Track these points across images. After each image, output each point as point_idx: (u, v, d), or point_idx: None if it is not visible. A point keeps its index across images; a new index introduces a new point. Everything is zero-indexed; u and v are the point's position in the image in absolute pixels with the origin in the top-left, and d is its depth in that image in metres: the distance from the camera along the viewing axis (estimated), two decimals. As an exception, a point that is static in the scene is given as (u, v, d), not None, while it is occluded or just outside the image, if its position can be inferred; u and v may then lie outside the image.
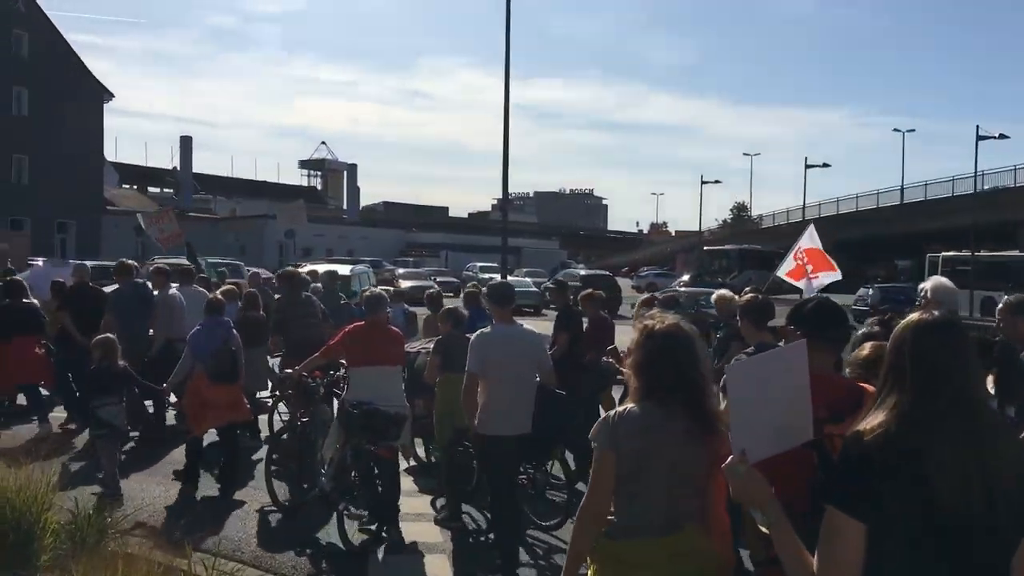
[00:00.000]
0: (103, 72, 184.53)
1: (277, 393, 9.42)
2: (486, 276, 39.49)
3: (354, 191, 78.26)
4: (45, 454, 6.71)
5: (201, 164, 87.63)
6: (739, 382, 2.41)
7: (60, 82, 43.40)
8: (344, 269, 21.94)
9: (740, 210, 78.44)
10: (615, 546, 2.81)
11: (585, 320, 8.82)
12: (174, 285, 9.94)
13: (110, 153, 76.60)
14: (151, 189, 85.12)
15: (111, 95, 48.14)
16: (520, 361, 5.45)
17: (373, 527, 6.09)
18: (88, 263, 12.93)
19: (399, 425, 6.10)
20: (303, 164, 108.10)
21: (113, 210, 49.43)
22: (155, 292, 9.79)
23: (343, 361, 6.91)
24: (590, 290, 9.07)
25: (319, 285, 11.51)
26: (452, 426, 6.65)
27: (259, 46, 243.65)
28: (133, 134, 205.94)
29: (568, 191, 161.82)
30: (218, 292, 9.08)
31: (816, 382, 2.50)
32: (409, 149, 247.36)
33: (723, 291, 7.75)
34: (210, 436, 7.62)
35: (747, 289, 6.63)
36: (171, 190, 71.33)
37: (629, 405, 2.88)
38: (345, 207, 79.57)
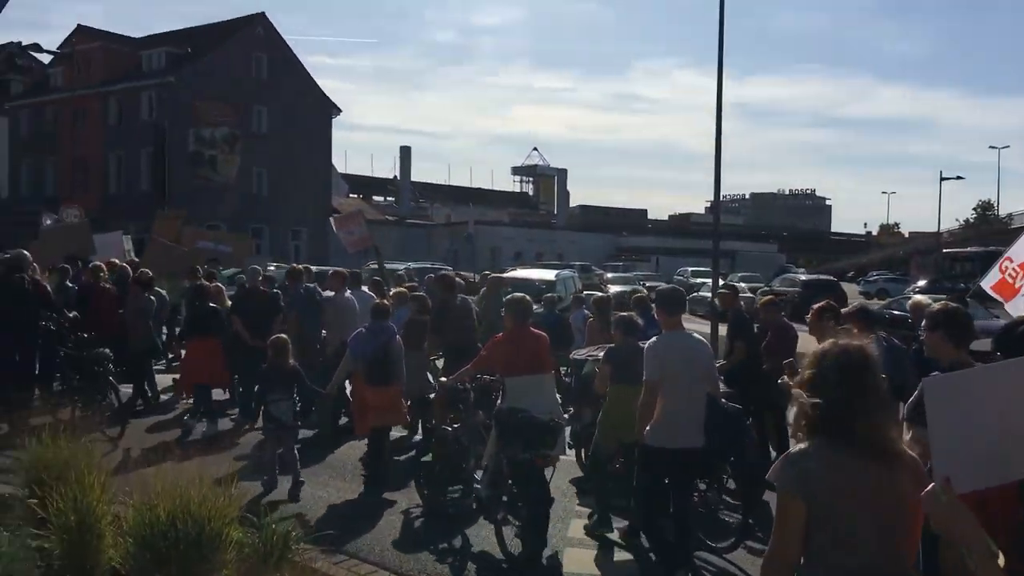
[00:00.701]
0: (335, 90, 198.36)
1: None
2: (698, 281, 38.04)
3: (564, 196, 78.79)
4: (225, 471, 6.71)
5: (420, 173, 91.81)
6: (941, 400, 2.10)
7: (294, 100, 46.76)
8: (549, 274, 21.68)
9: (985, 208, 71.00)
10: None
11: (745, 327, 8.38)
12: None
13: (340, 164, 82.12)
14: (375, 198, 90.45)
15: (339, 110, 51.25)
16: (692, 371, 5.27)
17: (529, 536, 5.92)
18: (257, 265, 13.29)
19: (555, 434, 5.96)
20: (515, 170, 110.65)
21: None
22: (331, 295, 10.11)
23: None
24: (770, 296, 8.73)
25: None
26: (616, 439, 6.37)
27: (477, 57, 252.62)
28: (361, 146, 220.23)
29: (787, 192, 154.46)
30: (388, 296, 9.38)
31: None
32: (622, 153, 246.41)
33: (920, 297, 6.90)
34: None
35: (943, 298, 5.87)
36: (392, 198, 75.09)
37: (810, 441, 2.54)
38: (555, 212, 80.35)
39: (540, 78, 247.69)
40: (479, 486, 6.34)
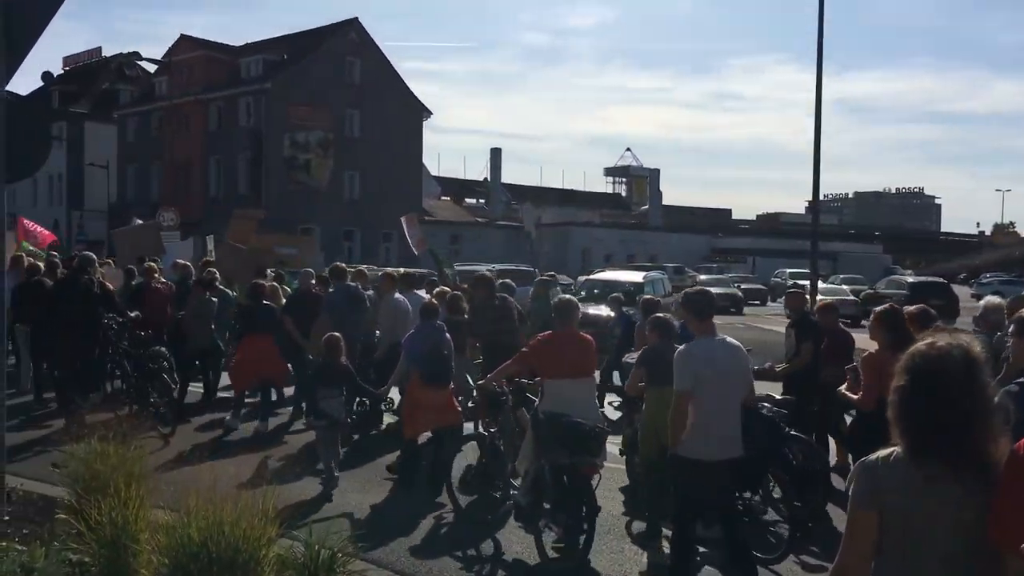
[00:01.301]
0: (430, 94, 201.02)
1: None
2: (796, 283, 36.60)
3: (656, 196, 77.32)
4: (269, 474, 6.77)
5: (513, 175, 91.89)
6: None
7: (386, 104, 47.20)
8: (637, 275, 21.00)
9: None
10: None
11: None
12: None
13: (433, 168, 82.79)
14: (468, 200, 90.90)
15: (429, 113, 51.53)
16: (727, 378, 4.96)
17: (573, 546, 5.73)
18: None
19: (598, 441, 5.78)
20: (608, 171, 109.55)
21: (430, 220, 52.79)
22: (371, 295, 10.29)
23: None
24: (828, 300, 8.49)
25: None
26: (658, 444, 6.03)
27: (571, 59, 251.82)
28: (455, 149, 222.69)
29: (892, 190, 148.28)
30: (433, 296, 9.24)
31: None
32: (717, 152, 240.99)
33: (993, 298, 6.70)
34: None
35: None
36: (483, 200, 75.20)
37: (895, 450, 2.31)
38: (647, 213, 79.02)
39: (635, 78, 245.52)
40: (516, 492, 6.16)
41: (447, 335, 7.79)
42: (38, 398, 10.83)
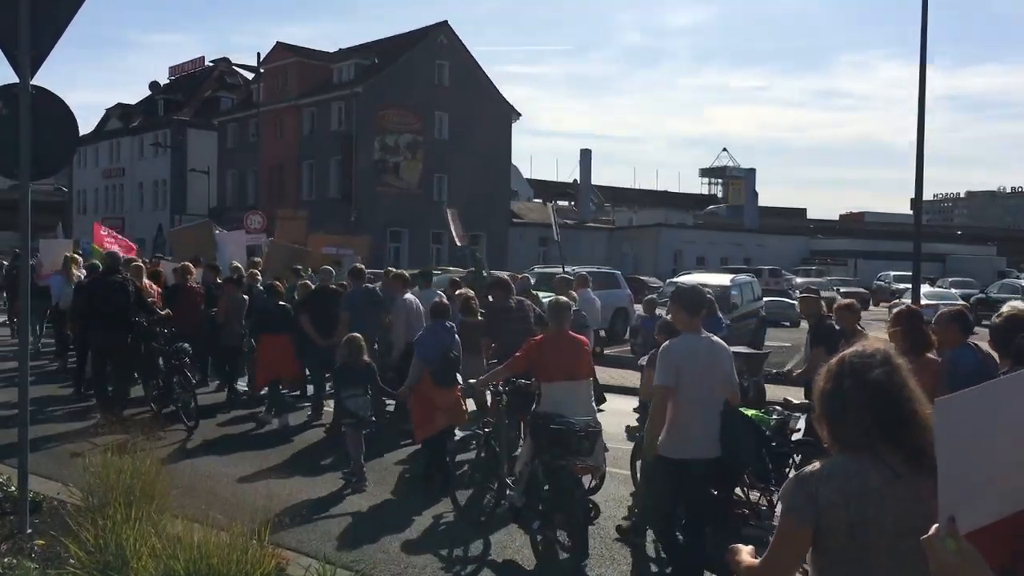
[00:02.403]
0: (526, 97, 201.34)
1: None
2: (900, 287, 34.67)
3: (752, 197, 75.05)
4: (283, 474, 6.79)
5: (606, 177, 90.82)
6: (953, 423, 1.83)
7: (475, 106, 47.12)
8: (723, 279, 20.02)
9: None
10: None
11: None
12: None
13: (525, 170, 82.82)
14: (560, 203, 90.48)
15: (518, 115, 51.22)
16: (710, 377, 4.96)
17: (568, 546, 5.74)
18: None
19: (591, 441, 5.81)
20: (704, 172, 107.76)
21: (518, 222, 52.53)
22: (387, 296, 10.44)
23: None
24: (848, 300, 8.27)
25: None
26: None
27: (669, 59, 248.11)
28: (549, 151, 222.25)
29: (1008, 190, 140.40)
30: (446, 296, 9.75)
31: None
32: (820, 151, 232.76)
33: (1018, 303, 6.23)
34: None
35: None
36: (573, 202, 74.57)
37: (829, 459, 2.25)
38: (744, 213, 76.88)
39: (734, 77, 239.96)
40: (512, 493, 6.22)
41: (456, 336, 7.88)
42: (77, 391, 11.68)
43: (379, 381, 8.07)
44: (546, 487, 5.78)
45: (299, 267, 13.64)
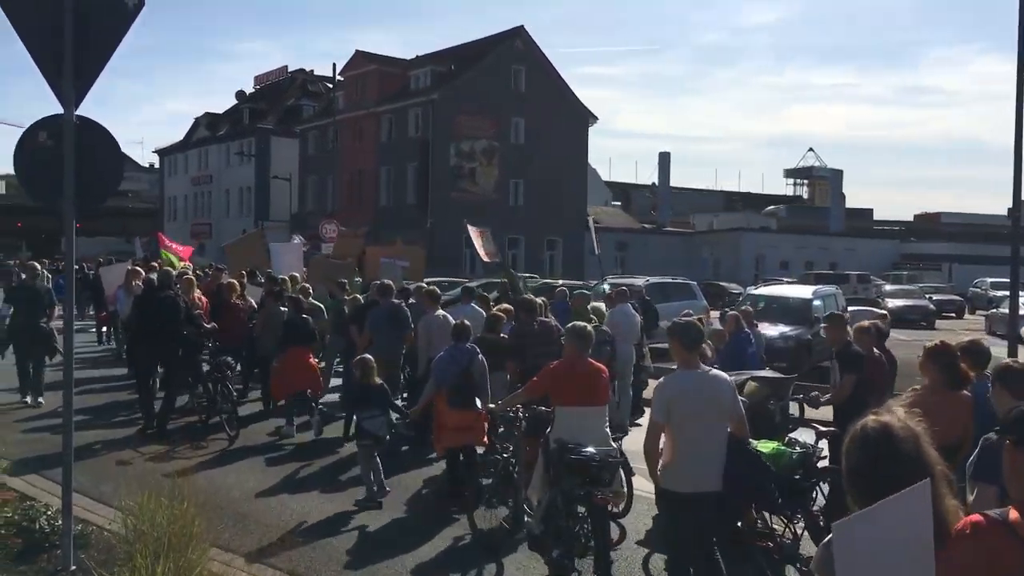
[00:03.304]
0: (602, 99, 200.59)
1: None
2: (998, 294, 32.86)
3: (839, 199, 72.69)
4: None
5: (686, 178, 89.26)
6: (850, 545, 2.07)
7: (551, 110, 46.86)
8: (805, 291, 19.14)
9: None
10: None
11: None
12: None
13: (603, 172, 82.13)
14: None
15: (595, 118, 50.73)
16: (710, 410, 4.93)
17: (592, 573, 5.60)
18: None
19: (611, 471, 5.78)
20: (788, 173, 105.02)
21: (595, 227, 51.94)
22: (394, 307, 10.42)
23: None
24: (866, 322, 8.25)
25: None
26: None
27: (749, 58, 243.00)
28: (627, 154, 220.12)
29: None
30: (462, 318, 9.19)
31: None
32: (908, 151, 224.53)
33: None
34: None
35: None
36: (652, 208, 73.63)
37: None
38: (829, 215, 74.54)
39: (818, 74, 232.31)
40: (529, 520, 6.18)
41: (480, 358, 7.88)
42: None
43: (392, 402, 8.23)
44: (564, 516, 5.74)
45: (344, 281, 13.97)
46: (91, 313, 20.55)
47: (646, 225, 61.29)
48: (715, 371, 5.21)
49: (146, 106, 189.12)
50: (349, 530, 7.05)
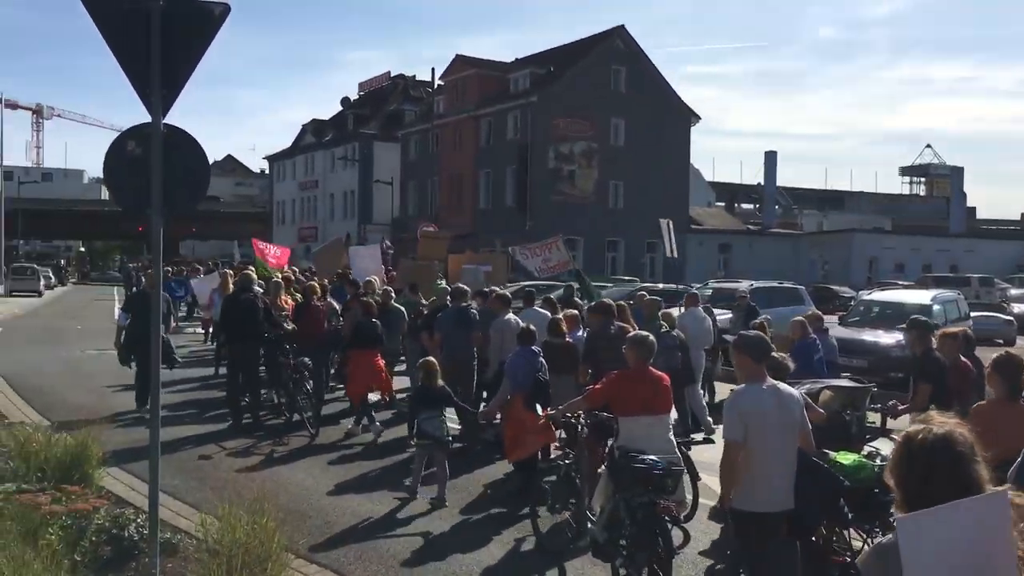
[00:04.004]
0: (709, 98, 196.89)
1: None
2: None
3: (959, 197, 68.94)
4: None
5: (795, 178, 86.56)
6: (915, 538, 2.04)
7: (652, 111, 46.04)
8: (924, 296, 17.96)
9: None
10: None
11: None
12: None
13: (707, 173, 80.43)
14: (745, 206, 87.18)
15: (698, 118, 49.63)
16: (782, 426, 4.82)
17: None
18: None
19: (675, 479, 5.78)
20: (904, 171, 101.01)
21: (697, 229, 50.86)
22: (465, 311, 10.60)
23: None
24: (949, 328, 8.13)
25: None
26: None
27: (864, 52, 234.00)
28: (733, 153, 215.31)
29: None
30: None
31: None
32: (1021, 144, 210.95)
33: None
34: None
35: None
36: (755, 206, 71.68)
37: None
38: (949, 216, 70.82)
39: (938, 68, 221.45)
40: (593, 527, 6.19)
41: (542, 359, 8.11)
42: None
43: (458, 402, 8.43)
44: (628, 524, 5.71)
45: (415, 284, 14.27)
46: (199, 315, 21.29)
47: (750, 226, 59.56)
48: (784, 385, 5.08)
49: (261, 114, 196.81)
50: (410, 531, 7.16)
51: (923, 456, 2.34)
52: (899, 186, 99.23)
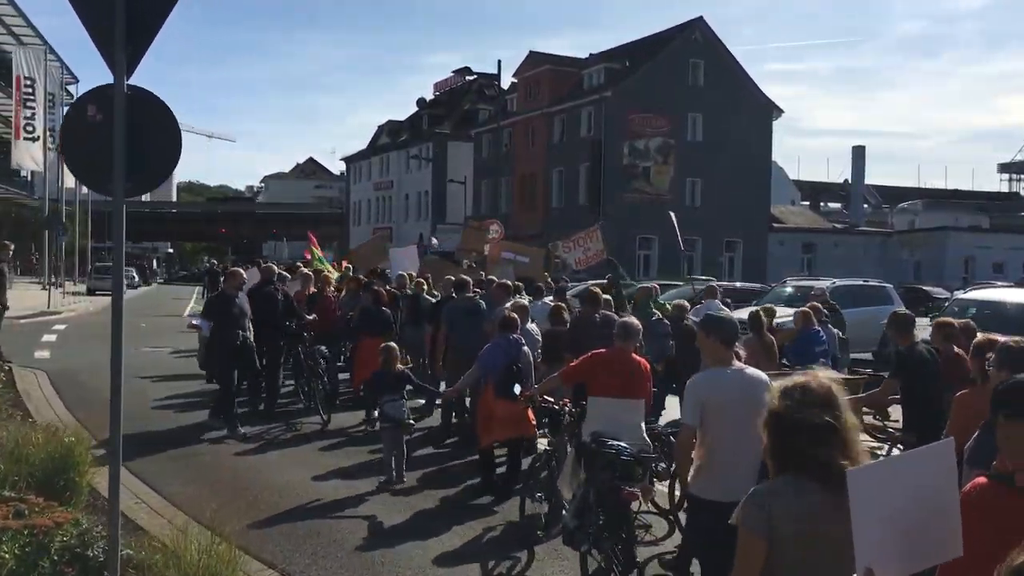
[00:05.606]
0: (793, 95, 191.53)
1: None
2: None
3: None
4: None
5: (884, 176, 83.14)
6: (864, 489, 2.19)
7: (731, 105, 44.32)
8: (1017, 295, 16.23)
9: None
10: None
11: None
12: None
13: (791, 171, 77.76)
14: (832, 204, 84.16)
15: (780, 112, 47.68)
16: (746, 412, 4.10)
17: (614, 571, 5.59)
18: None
19: (643, 466, 5.72)
20: (1003, 168, 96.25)
21: (779, 227, 48.86)
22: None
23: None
24: (945, 319, 8.03)
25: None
26: None
27: (954, 46, 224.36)
28: (818, 151, 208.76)
29: None
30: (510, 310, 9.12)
31: None
32: None
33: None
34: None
35: None
36: (841, 204, 68.86)
37: (780, 479, 2.61)
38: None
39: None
40: (566, 514, 6.18)
41: (525, 349, 8.00)
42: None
43: (418, 383, 8.66)
44: (596, 510, 5.70)
45: (422, 280, 14.32)
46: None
47: (836, 225, 57.03)
48: (752, 369, 4.87)
49: (341, 118, 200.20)
50: (371, 512, 7.22)
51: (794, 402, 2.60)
52: (997, 183, 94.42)
